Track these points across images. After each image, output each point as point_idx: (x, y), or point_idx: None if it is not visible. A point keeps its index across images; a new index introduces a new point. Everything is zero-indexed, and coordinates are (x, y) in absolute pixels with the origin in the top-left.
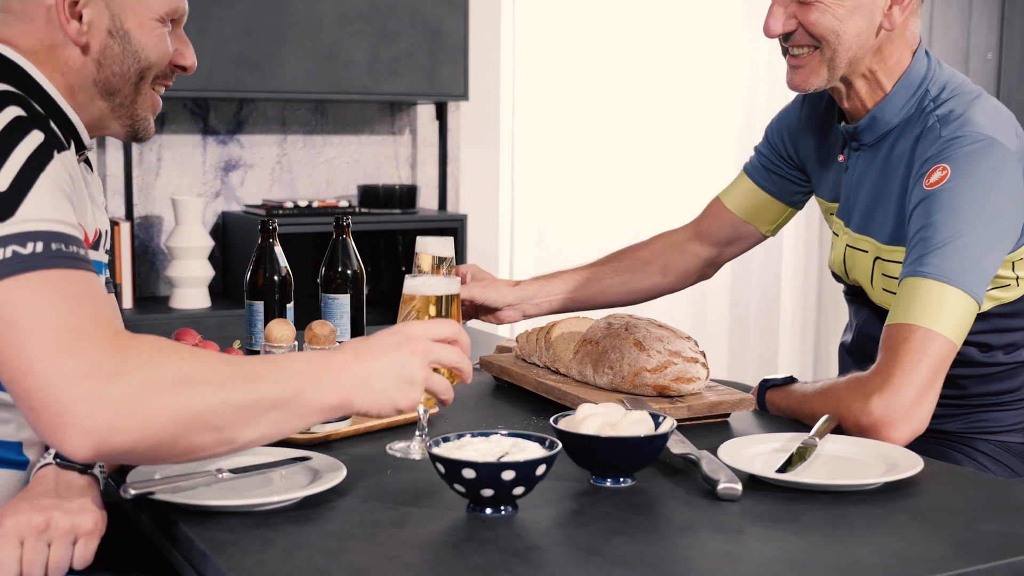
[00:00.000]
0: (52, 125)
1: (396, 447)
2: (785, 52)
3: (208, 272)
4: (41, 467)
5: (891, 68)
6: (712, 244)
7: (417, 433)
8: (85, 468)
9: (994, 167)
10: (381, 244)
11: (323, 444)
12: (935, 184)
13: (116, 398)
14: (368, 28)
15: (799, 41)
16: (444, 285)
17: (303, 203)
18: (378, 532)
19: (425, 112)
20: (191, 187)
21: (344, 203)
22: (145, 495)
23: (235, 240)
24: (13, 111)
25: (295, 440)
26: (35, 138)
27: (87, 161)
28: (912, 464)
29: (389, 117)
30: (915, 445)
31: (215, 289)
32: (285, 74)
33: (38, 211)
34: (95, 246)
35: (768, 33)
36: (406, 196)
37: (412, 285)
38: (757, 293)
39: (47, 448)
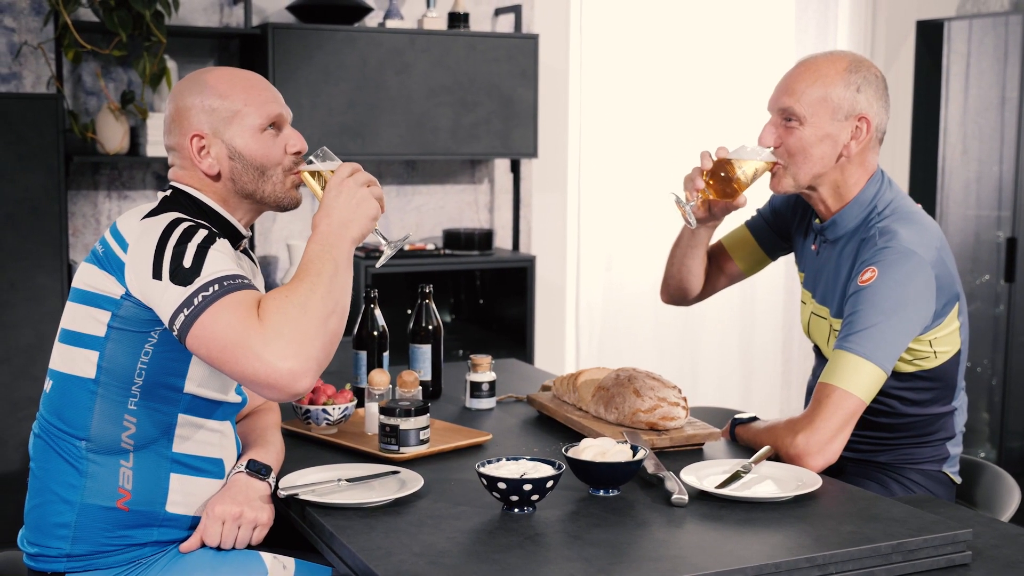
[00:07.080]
0: (211, 228)
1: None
2: None
3: None
4: (236, 473)
5: (851, 186)
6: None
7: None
8: (263, 477)
9: (909, 273)
10: (462, 282)
11: (408, 463)
12: (865, 281)
13: (292, 347)
14: (451, 99)
15: (780, 155)
16: (327, 164)
17: None
18: (443, 522)
19: (501, 164)
20: (301, 232)
21: (431, 246)
22: (292, 496)
23: None
24: (185, 223)
25: (391, 459)
26: (201, 234)
27: (245, 250)
28: (814, 483)
29: (470, 169)
30: (858, 471)
31: None
32: (382, 139)
33: (210, 268)
34: None
35: (760, 144)
36: (484, 240)
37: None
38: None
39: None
